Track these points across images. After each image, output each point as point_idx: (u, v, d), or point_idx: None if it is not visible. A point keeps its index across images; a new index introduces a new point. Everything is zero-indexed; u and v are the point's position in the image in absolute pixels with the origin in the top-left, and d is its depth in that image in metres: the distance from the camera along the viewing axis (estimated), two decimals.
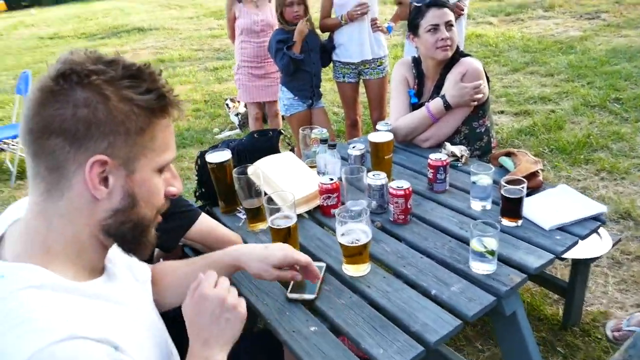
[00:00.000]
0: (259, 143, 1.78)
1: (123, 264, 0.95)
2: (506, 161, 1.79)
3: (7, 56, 10.98)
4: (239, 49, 3.57)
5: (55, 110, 0.70)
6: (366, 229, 1.27)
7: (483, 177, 1.54)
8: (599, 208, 1.49)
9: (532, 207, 1.50)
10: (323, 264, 1.35)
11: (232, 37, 3.66)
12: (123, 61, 0.76)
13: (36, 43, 12.45)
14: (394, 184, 1.50)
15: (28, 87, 4.23)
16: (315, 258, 1.41)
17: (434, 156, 1.67)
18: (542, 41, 6.77)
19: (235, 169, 1.52)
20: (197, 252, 1.66)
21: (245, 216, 1.64)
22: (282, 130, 1.83)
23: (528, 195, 1.49)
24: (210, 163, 1.60)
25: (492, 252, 1.25)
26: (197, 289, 0.91)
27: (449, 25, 1.93)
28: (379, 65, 3.14)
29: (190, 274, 1.07)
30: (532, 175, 1.61)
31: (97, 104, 0.71)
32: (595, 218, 1.48)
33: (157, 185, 0.81)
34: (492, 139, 2.12)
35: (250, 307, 1.23)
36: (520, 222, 1.47)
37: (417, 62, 2.15)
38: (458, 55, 2.01)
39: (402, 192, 1.47)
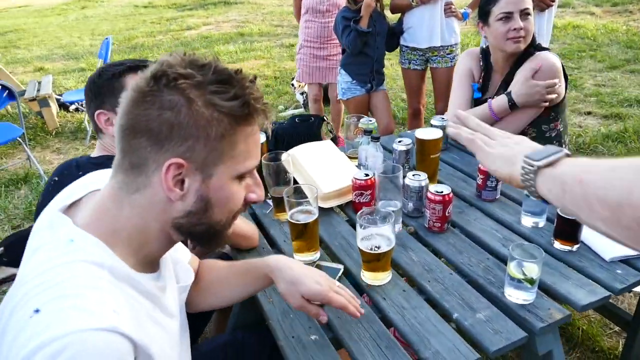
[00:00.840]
0: (300, 128, 1.70)
1: (171, 261, 0.95)
2: None
3: (104, 22, 11.70)
4: (302, 28, 3.49)
5: (143, 110, 0.72)
6: (390, 235, 1.15)
7: None
8: None
9: (593, 232, 1.28)
10: (340, 267, 1.25)
11: (298, 15, 3.58)
12: (216, 65, 0.74)
13: (131, 11, 13.15)
14: (432, 188, 1.35)
15: (108, 53, 4.44)
16: (335, 258, 1.32)
17: None
18: None
19: (265, 155, 1.45)
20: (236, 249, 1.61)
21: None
22: (325, 117, 1.73)
23: None
24: None
25: (531, 281, 1.08)
26: None
27: (524, 13, 1.71)
28: (448, 54, 2.91)
29: (230, 277, 1.10)
30: None
31: (181, 107, 0.71)
32: None
33: (235, 192, 0.79)
34: (564, 146, 1.88)
35: (255, 302, 1.17)
36: (576, 247, 1.27)
37: (486, 53, 1.94)
38: (533, 48, 1.78)
39: (440, 198, 1.33)
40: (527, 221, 1.39)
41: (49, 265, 0.69)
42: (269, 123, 0.80)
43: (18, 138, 3.66)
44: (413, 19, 2.85)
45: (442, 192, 1.34)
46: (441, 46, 2.87)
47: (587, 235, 1.27)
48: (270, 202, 1.60)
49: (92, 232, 0.73)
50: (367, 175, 1.46)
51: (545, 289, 1.14)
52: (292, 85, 4.97)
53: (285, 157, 1.48)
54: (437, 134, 1.57)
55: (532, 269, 1.08)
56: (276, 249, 1.40)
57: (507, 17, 1.71)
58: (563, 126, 1.86)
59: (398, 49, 3.10)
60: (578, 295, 1.12)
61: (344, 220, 1.49)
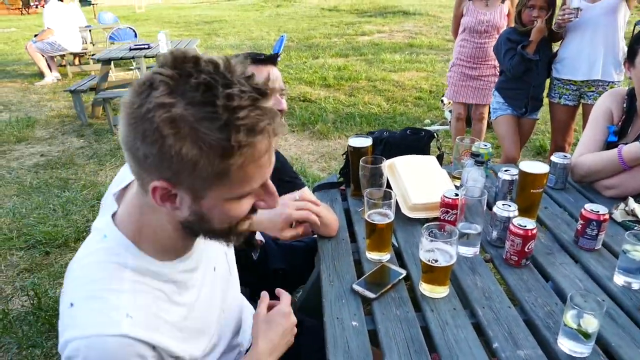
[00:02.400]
0: (409, 140, 1.78)
1: (217, 248, 1.03)
2: None
3: (291, 20, 12.89)
4: (457, 47, 3.50)
5: (129, 134, 0.70)
6: (451, 252, 1.19)
7: (639, 248, 1.24)
8: None
9: None
10: (403, 272, 1.33)
11: (455, 33, 3.59)
12: (203, 75, 0.67)
13: (317, 13, 14.24)
14: (516, 220, 1.33)
15: (281, 47, 4.98)
16: (402, 264, 1.39)
17: (591, 206, 1.41)
18: None
19: (364, 157, 1.58)
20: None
21: None
22: (435, 134, 1.78)
23: None
24: (350, 146, 1.69)
25: (586, 334, 1.03)
26: (275, 307, 1.10)
27: None
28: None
29: None
30: None
31: (163, 141, 0.66)
32: None
33: (233, 209, 0.76)
34: None
35: (317, 282, 1.32)
36: None
37: (632, 95, 1.77)
38: None
39: (521, 232, 1.31)
40: (619, 279, 1.28)
41: (87, 260, 0.81)
42: (283, 132, 0.72)
43: None
44: (569, 48, 2.67)
45: (525, 226, 1.31)
46: (601, 81, 2.63)
47: None
48: (363, 201, 1.73)
49: (123, 228, 0.82)
50: (456, 194, 1.49)
51: (606, 349, 1.07)
52: (442, 101, 4.96)
53: (384, 163, 1.59)
54: (542, 168, 1.52)
55: (591, 322, 1.03)
56: (355, 243, 1.52)
57: None
58: None
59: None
60: None
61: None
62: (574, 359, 1.05)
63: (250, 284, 1.53)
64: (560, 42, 2.81)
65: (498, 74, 3.53)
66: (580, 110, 2.83)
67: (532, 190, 1.53)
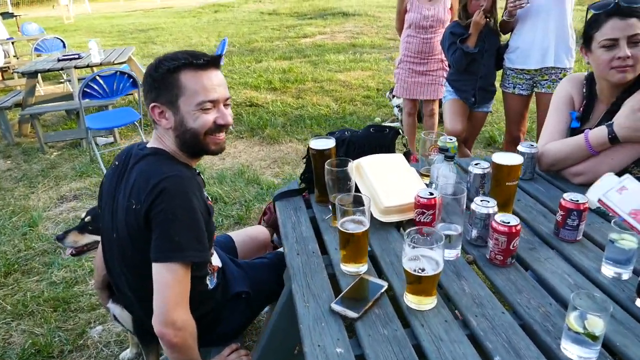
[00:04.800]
0: (373, 138, 1.66)
1: None
2: None
3: (231, 25, 12.62)
4: (403, 43, 3.46)
5: None
6: (438, 259, 1.08)
7: (627, 237, 1.18)
8: None
9: None
10: (385, 284, 1.20)
11: (400, 29, 3.55)
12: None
13: (256, 17, 14.03)
14: (499, 217, 1.24)
15: (223, 52, 4.76)
16: (382, 275, 1.27)
17: (569, 196, 1.35)
18: None
19: (329, 160, 1.45)
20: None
21: None
22: (400, 130, 1.68)
23: None
24: (312, 149, 1.56)
25: (593, 336, 0.94)
26: None
27: (632, 41, 1.51)
28: (560, 79, 2.67)
29: None
30: None
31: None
32: None
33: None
34: None
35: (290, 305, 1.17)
36: None
37: (591, 80, 1.75)
38: None
39: (504, 229, 1.22)
40: (608, 270, 1.22)
41: None
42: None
43: (135, 122, 4.07)
44: (522, 38, 2.66)
45: (508, 222, 1.22)
46: (554, 68, 2.63)
47: None
48: (330, 207, 1.60)
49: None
50: (431, 194, 1.39)
51: (612, 351, 0.99)
52: (389, 97, 4.98)
53: (351, 165, 1.46)
54: (516, 159, 1.44)
55: (597, 324, 0.94)
56: (327, 255, 1.38)
57: (611, 44, 1.53)
58: None
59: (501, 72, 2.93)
60: None
61: (400, 238, 1.44)
62: None
63: (207, 315, 1.40)
64: (510, 32, 2.81)
65: (447, 67, 3.53)
66: (533, 98, 2.83)
67: (507, 183, 1.45)
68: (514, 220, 1.23)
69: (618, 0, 1.53)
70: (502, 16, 2.69)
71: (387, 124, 4.85)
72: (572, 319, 0.96)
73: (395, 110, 4.94)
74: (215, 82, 1.32)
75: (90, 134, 3.98)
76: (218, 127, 1.34)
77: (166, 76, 1.29)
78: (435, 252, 1.08)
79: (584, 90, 1.76)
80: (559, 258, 1.31)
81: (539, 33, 2.57)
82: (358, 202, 1.27)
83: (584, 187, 1.65)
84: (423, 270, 1.08)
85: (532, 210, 1.55)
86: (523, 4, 2.50)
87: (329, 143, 1.56)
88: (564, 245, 1.35)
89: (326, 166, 1.43)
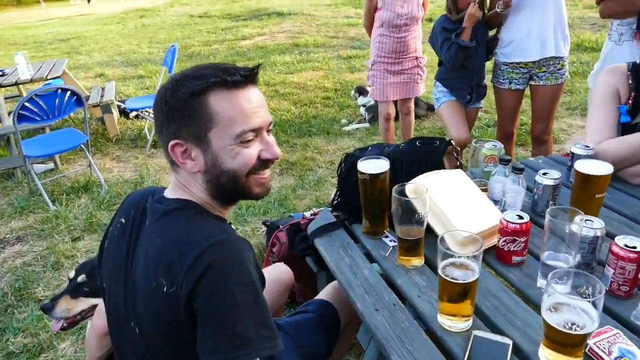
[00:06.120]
0: (422, 154, 1.42)
1: None
2: None
3: (161, 30, 11.91)
4: (375, 43, 3.24)
5: None
6: (592, 311, 0.85)
7: None
8: None
9: None
10: (509, 342, 0.96)
11: (369, 27, 3.33)
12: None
13: (187, 20, 13.36)
14: (620, 241, 1.05)
15: (174, 60, 4.33)
16: (496, 329, 1.03)
17: None
18: None
19: (396, 187, 1.19)
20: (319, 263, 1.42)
21: (394, 244, 1.31)
22: (451, 141, 1.45)
23: None
24: (363, 173, 1.29)
25: None
26: None
27: None
28: (559, 69, 2.56)
29: None
30: None
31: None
32: None
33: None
34: None
35: None
36: None
37: (636, 69, 1.61)
38: None
39: (634, 256, 1.02)
40: None
41: None
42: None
43: (82, 145, 3.57)
44: (518, 29, 2.52)
45: (635, 247, 1.03)
46: (553, 58, 2.51)
47: None
48: (388, 241, 1.34)
49: None
50: (520, 217, 1.17)
51: None
52: (354, 96, 4.81)
53: (413, 189, 1.21)
54: (607, 168, 1.26)
55: None
56: (409, 305, 1.12)
57: None
58: None
59: (492, 68, 2.79)
60: None
61: (486, 271, 1.21)
62: None
63: None
64: (497, 27, 2.67)
65: (421, 65, 3.37)
66: (527, 92, 2.72)
67: (597, 196, 1.27)
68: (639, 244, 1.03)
69: None
70: (494, 9, 2.53)
71: (354, 125, 4.64)
72: None
73: (362, 110, 4.75)
74: (255, 103, 0.96)
75: (29, 162, 3.43)
76: (264, 163, 0.99)
77: (190, 102, 0.92)
78: (589, 303, 0.85)
79: (630, 82, 1.62)
80: None
81: (536, 23, 2.45)
82: (464, 241, 1.02)
83: None
84: (579, 327, 0.85)
85: (612, 221, 1.37)
86: None
87: (381, 165, 1.30)
88: None
89: (395, 195, 1.16)
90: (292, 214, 2.48)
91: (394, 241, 1.31)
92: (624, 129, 1.60)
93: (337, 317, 1.36)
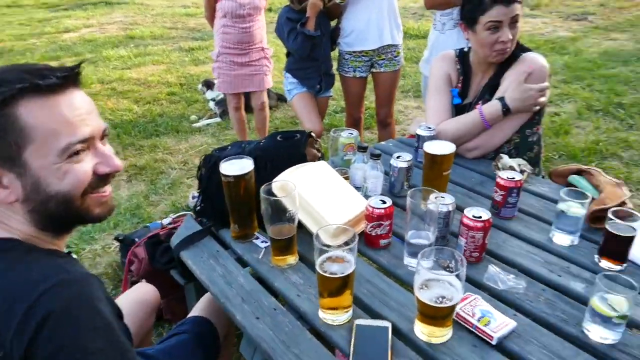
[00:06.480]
0: (284, 149, 1.40)
1: None
2: (580, 181, 1.48)
3: None
4: (219, 34, 3.14)
5: None
6: (457, 283, 0.93)
7: (574, 205, 1.23)
8: None
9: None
10: (387, 324, 1.00)
11: (211, 19, 3.22)
12: None
13: None
14: (469, 213, 1.16)
15: None
16: (374, 313, 1.06)
17: (506, 174, 1.35)
18: (533, 40, 6.59)
19: (263, 186, 1.14)
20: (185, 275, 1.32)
21: (266, 245, 1.27)
22: (311, 133, 1.45)
23: None
24: (226, 176, 1.22)
25: (624, 317, 0.93)
26: None
27: (513, 22, 1.59)
28: (395, 56, 2.77)
29: None
30: (622, 204, 1.31)
31: None
32: None
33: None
34: (542, 149, 1.82)
35: None
36: (624, 265, 1.16)
37: (462, 56, 1.81)
38: (519, 50, 1.68)
39: (481, 224, 1.14)
40: (563, 239, 1.26)
41: None
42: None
43: None
44: (358, 20, 2.65)
45: (481, 217, 1.15)
46: (390, 46, 2.70)
47: (637, 253, 1.17)
48: (259, 243, 1.30)
49: None
50: (383, 202, 1.22)
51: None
52: (202, 90, 4.64)
53: (280, 186, 1.18)
54: (450, 147, 1.38)
55: (622, 304, 0.93)
56: (289, 306, 1.10)
57: (496, 26, 1.58)
58: (542, 129, 1.80)
59: (337, 58, 2.90)
60: None
61: (358, 258, 1.24)
62: (614, 347, 0.94)
63: None
64: (338, 17, 2.77)
65: (268, 56, 3.36)
66: (370, 79, 2.88)
67: (444, 173, 1.39)
68: (485, 214, 1.16)
69: None
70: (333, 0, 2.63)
71: (205, 121, 4.47)
72: (598, 301, 0.94)
73: (211, 104, 4.58)
74: (81, 109, 0.82)
75: None
76: (102, 179, 0.86)
77: None
78: (454, 276, 0.93)
79: (458, 67, 1.81)
80: (512, 237, 1.30)
81: (374, 13, 2.60)
82: (332, 235, 1.02)
83: (477, 160, 1.73)
84: (447, 299, 0.91)
85: (456, 194, 1.52)
86: None
87: (245, 165, 1.24)
88: (506, 224, 1.36)
89: (263, 195, 1.12)
90: (147, 224, 2.27)
91: (266, 242, 1.28)
92: (457, 110, 1.79)
93: (215, 332, 1.27)
